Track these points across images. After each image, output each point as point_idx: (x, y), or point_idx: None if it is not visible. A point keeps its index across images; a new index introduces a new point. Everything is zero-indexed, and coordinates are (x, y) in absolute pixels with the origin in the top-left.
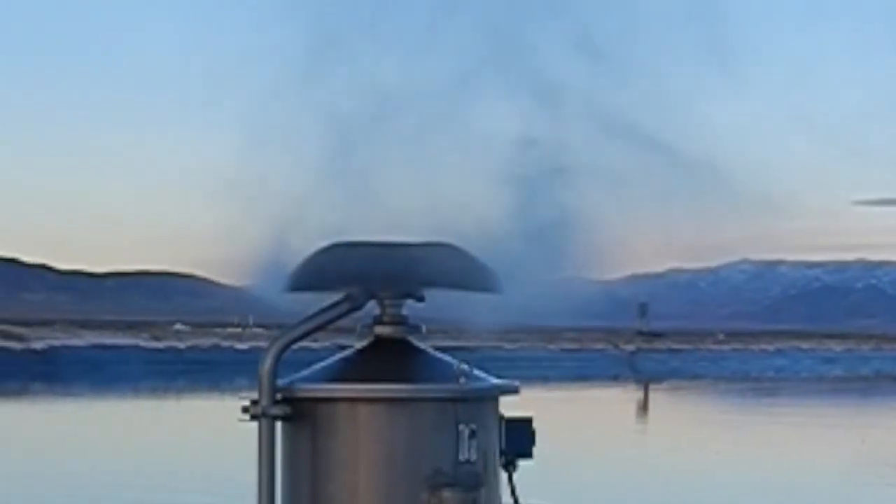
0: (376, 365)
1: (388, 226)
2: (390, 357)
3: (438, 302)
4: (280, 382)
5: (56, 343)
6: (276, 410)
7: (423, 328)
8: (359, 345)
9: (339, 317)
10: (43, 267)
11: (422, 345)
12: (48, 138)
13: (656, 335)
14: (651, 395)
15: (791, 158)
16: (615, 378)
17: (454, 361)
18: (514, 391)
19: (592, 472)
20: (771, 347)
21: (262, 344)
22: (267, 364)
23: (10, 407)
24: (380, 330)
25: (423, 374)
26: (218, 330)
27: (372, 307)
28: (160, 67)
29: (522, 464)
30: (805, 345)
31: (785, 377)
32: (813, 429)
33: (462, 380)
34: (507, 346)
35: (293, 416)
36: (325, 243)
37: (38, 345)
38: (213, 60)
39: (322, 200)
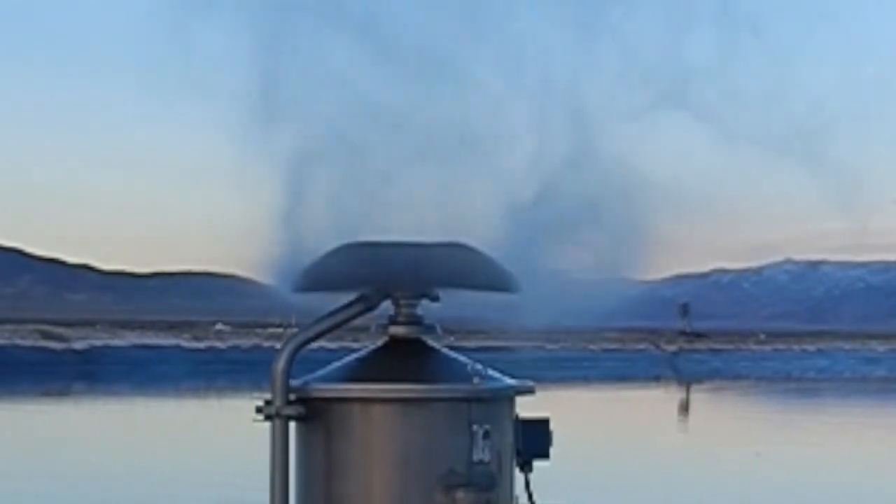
0: (390, 365)
1: (404, 226)
2: (404, 357)
3: (487, 303)
4: (294, 382)
5: (97, 343)
6: (289, 410)
7: (439, 328)
8: (373, 345)
9: (354, 317)
10: (86, 267)
11: (436, 345)
12: (90, 139)
13: (698, 335)
14: (693, 396)
15: (834, 158)
16: (657, 378)
17: (468, 361)
18: (530, 391)
19: (632, 472)
20: (813, 348)
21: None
22: (280, 364)
23: (53, 407)
24: (394, 330)
25: (437, 375)
26: (259, 330)
27: (387, 307)
28: (182, 69)
29: (564, 462)
30: (848, 345)
31: (827, 378)
32: (855, 429)
33: (476, 380)
34: (549, 346)
35: (307, 416)
36: (339, 243)
37: (79, 345)
38: (233, 62)
39: (337, 200)
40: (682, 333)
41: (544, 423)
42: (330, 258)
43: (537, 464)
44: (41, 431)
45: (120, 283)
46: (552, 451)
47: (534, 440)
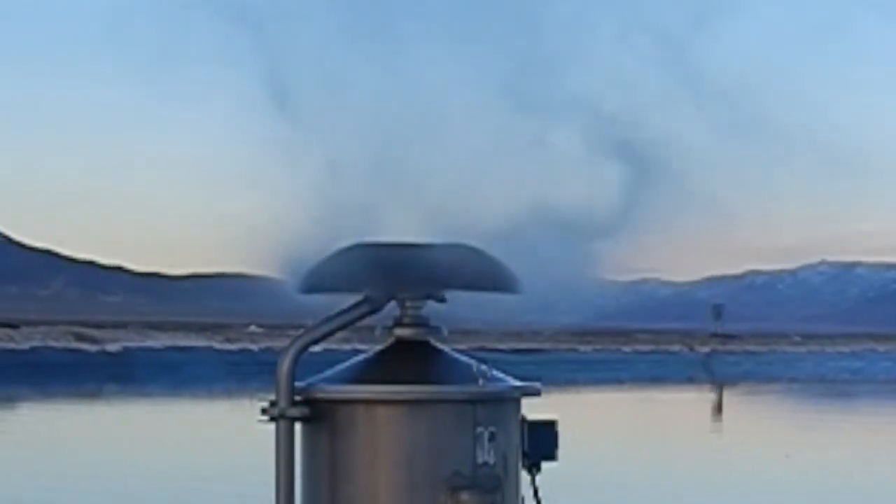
0: (395, 366)
1: (410, 227)
2: (409, 358)
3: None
4: (299, 384)
5: (130, 345)
6: (294, 412)
7: (445, 330)
8: (379, 346)
9: (359, 318)
10: (120, 269)
11: (442, 346)
12: (125, 141)
13: (731, 337)
14: (725, 398)
15: (869, 160)
16: (690, 380)
17: (473, 363)
18: (536, 393)
19: (663, 473)
20: (847, 350)
21: (335, 346)
22: (285, 365)
23: (85, 408)
24: (400, 332)
25: (442, 376)
26: (292, 332)
27: (393, 308)
28: (196, 72)
29: (597, 463)
30: (882, 347)
31: (862, 380)
32: (890, 431)
33: (481, 381)
34: (582, 348)
35: (312, 417)
36: (345, 244)
37: (112, 347)
38: (246, 62)
39: (343, 202)
40: (715, 335)
41: (551, 424)
42: (335, 259)
43: (570, 463)
44: (73, 432)
45: (154, 284)
46: (572, 452)
47: (541, 442)
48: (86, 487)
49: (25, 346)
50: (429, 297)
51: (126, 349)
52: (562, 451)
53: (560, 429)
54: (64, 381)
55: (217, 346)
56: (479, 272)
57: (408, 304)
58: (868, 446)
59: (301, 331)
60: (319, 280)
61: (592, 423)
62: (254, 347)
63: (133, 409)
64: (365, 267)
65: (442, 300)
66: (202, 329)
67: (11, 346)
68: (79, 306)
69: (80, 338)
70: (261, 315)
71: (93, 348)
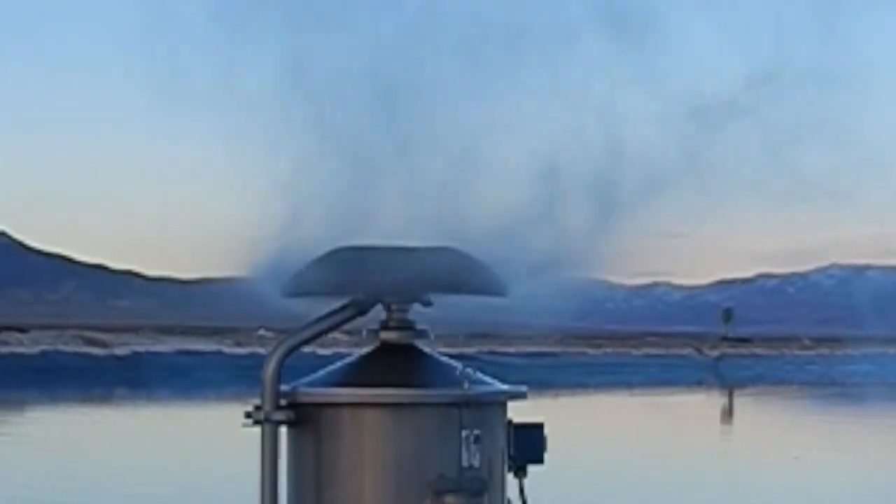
0: (381, 370)
1: (395, 230)
2: (395, 362)
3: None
4: (284, 387)
5: (139, 349)
6: (279, 416)
7: (431, 333)
8: (364, 350)
9: (345, 322)
10: (130, 273)
11: (428, 349)
12: (135, 146)
13: (741, 340)
14: (736, 401)
15: (880, 161)
16: (700, 383)
17: (459, 366)
18: (522, 396)
19: (674, 478)
20: (858, 353)
21: (344, 350)
22: (270, 368)
23: (94, 412)
24: (385, 335)
25: (427, 379)
26: None
27: (379, 312)
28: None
29: (606, 466)
30: (893, 350)
31: (872, 383)
32: None
33: (466, 384)
34: (592, 351)
35: (297, 421)
36: (330, 248)
37: (120, 351)
38: (224, 66)
39: (327, 204)
40: (725, 338)
41: (538, 427)
42: (320, 263)
43: (578, 465)
44: (81, 436)
45: (164, 288)
46: (579, 454)
47: (527, 445)
48: (92, 489)
49: (35, 350)
50: (414, 300)
51: (135, 353)
52: (571, 453)
53: (568, 431)
54: (73, 385)
55: (227, 350)
56: (465, 275)
57: (393, 307)
58: (878, 449)
59: (285, 335)
60: (304, 284)
61: (602, 427)
62: (263, 351)
63: (142, 413)
64: (350, 270)
65: (428, 304)
66: (212, 333)
67: (21, 350)
68: (89, 310)
69: (90, 342)
70: (270, 319)
71: (102, 352)
